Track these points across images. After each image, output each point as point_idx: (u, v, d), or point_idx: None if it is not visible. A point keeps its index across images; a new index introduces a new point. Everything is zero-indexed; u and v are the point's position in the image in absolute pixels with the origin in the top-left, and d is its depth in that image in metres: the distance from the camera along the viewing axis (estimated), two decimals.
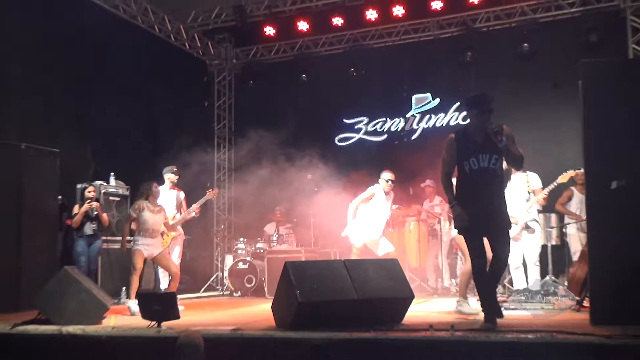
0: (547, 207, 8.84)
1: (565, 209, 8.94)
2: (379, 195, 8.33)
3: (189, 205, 9.01)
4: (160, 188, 8.84)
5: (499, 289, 9.10)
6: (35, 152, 8.41)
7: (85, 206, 8.67)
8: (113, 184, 9.93)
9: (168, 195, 8.91)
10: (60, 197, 8.86)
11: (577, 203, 8.86)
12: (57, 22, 9.55)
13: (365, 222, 8.36)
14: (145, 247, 7.63)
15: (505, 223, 5.46)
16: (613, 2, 10.41)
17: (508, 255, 5.57)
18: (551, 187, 7.91)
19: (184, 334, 4.70)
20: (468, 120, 6.12)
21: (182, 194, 9.17)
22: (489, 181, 5.35)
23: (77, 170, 9.66)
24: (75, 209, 8.82)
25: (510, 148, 5.24)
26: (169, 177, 8.97)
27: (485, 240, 5.47)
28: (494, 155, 5.28)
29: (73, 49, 9.80)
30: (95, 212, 8.72)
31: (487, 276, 5.47)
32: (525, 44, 10.80)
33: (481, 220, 5.30)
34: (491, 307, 5.41)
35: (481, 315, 5.58)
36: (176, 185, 9.07)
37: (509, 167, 6.21)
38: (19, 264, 7.84)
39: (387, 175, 8.30)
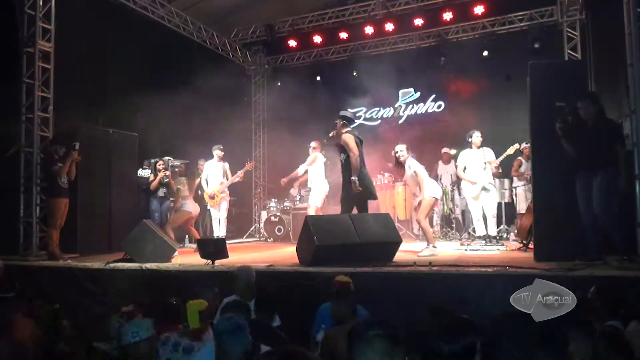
0: (502, 174, 8.75)
1: (518, 172, 8.89)
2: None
3: (233, 173, 8.95)
4: (210, 161, 8.85)
5: (465, 235, 9.10)
6: (119, 135, 8.43)
7: (160, 174, 8.64)
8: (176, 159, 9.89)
9: (216, 166, 8.85)
10: None
11: (524, 169, 8.77)
12: (143, 42, 9.54)
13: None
14: None
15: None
16: (552, 18, 10.14)
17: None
18: (502, 157, 7.73)
19: (241, 266, 4.66)
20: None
21: (226, 165, 8.99)
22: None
23: (151, 148, 9.64)
24: (151, 177, 8.82)
25: None
26: (217, 153, 8.86)
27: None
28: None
29: (147, 56, 9.65)
30: (166, 180, 8.70)
31: None
32: (486, 51, 10.56)
33: None
34: None
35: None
36: (222, 159, 9.00)
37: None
38: (110, 218, 7.92)
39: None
